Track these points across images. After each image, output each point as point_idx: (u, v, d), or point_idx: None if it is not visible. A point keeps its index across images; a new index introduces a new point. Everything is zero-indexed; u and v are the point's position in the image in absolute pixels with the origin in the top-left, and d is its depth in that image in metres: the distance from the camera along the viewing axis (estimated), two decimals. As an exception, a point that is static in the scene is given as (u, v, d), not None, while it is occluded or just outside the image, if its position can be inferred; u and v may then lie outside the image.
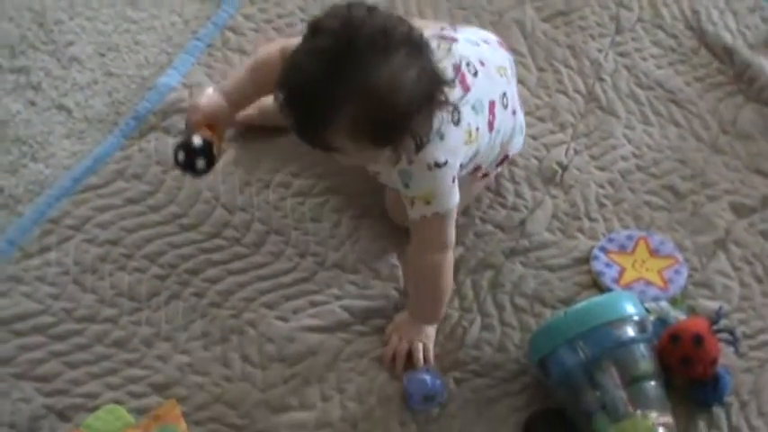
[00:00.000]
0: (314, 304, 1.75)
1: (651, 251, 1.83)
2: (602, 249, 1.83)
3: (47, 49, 2.02)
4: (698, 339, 1.62)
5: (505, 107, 1.73)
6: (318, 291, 1.76)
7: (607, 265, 1.81)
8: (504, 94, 1.73)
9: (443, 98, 1.52)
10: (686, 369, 1.63)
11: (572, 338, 1.57)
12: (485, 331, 1.74)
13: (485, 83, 1.68)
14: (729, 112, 2.06)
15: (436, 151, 1.56)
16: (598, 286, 1.80)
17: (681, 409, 1.65)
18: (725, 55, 2.13)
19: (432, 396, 1.65)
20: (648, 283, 1.79)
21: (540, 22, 2.15)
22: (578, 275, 1.82)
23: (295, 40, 1.52)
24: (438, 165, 1.57)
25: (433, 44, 1.54)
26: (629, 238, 1.85)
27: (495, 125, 1.70)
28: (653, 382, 1.58)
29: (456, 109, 1.58)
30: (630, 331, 1.59)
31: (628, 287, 1.77)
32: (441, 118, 1.55)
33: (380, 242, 1.82)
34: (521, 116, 1.83)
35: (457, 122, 1.59)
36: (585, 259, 1.83)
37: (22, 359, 1.64)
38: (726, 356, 1.69)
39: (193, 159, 1.62)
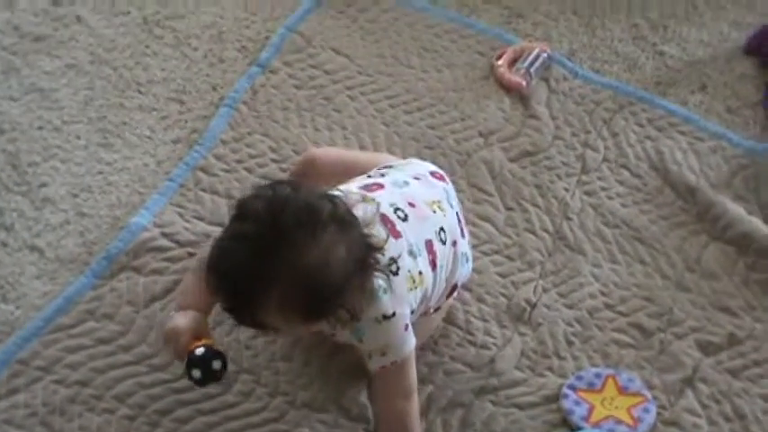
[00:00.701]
0: (284, 444, 1.74)
1: (620, 389, 1.84)
2: (572, 387, 1.83)
3: (20, 191, 2.04)
4: (668, 479, 1.62)
5: (444, 242, 1.74)
6: (288, 430, 1.74)
7: (576, 402, 1.81)
8: (441, 229, 1.74)
9: (375, 265, 1.54)
10: None
11: (542, 480, 1.57)
12: (455, 472, 1.74)
13: (417, 225, 1.69)
14: (694, 251, 2.09)
15: (383, 305, 1.59)
16: (568, 424, 1.79)
17: None
18: (688, 194, 2.18)
19: None
20: (618, 421, 1.79)
21: (508, 162, 2.20)
22: (548, 414, 1.81)
23: None
24: (386, 317, 1.59)
25: (359, 207, 1.58)
26: (598, 375, 1.86)
27: (438, 262, 1.71)
28: None
29: (392, 260, 1.60)
30: (600, 471, 1.59)
31: (597, 425, 1.77)
32: (380, 274, 1.57)
33: (350, 381, 1.81)
34: (463, 245, 1.82)
35: (396, 272, 1.61)
36: (555, 397, 1.83)
37: (-15, 505, 1.62)
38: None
39: (209, 366, 1.63)
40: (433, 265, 1.70)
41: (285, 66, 2.34)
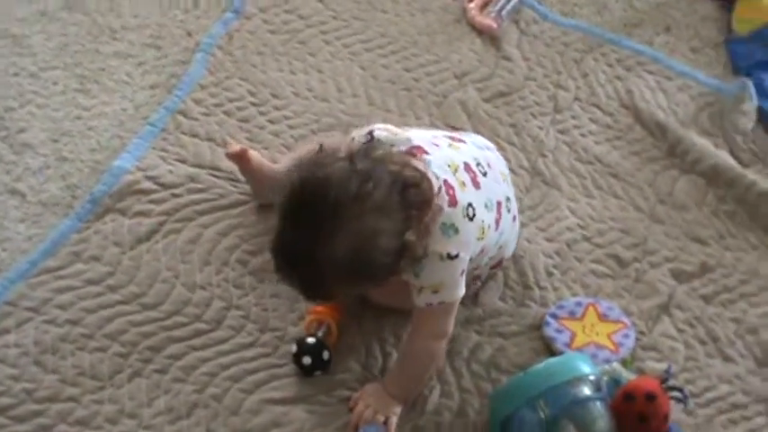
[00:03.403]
0: (276, 377, 1.76)
1: (600, 316, 1.90)
2: (553, 316, 1.89)
3: (-2, 136, 2.05)
4: (651, 396, 1.66)
5: (509, 211, 1.80)
6: (281, 364, 1.78)
7: (558, 330, 1.86)
8: (508, 199, 1.81)
9: (421, 204, 1.57)
10: (641, 426, 1.66)
11: (532, 397, 1.61)
12: (444, 398, 1.77)
13: (492, 183, 1.75)
14: (666, 184, 2.15)
15: (450, 244, 1.62)
16: (551, 351, 1.84)
17: (637, 467, 1.70)
18: (658, 131, 2.24)
19: None
20: (599, 346, 1.84)
21: (483, 102, 2.25)
22: (531, 341, 1.87)
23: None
24: (450, 257, 1.62)
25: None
26: (578, 304, 1.91)
27: (500, 225, 1.76)
28: (612, 440, 1.63)
29: (470, 205, 1.65)
30: (587, 390, 1.63)
31: (579, 351, 1.82)
32: (457, 213, 1.62)
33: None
34: (518, 223, 1.90)
35: (471, 218, 1.65)
36: (537, 326, 1.88)
37: (-17, 441, 1.63)
38: (675, 414, 1.73)
39: (300, 362, 1.75)
40: (497, 225, 1.75)
41: (259, 11, 2.35)
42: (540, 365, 1.67)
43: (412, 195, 1.56)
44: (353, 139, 1.68)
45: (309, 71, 2.25)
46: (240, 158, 1.92)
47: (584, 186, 2.13)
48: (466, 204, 1.64)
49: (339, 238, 1.50)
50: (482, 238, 1.70)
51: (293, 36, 2.32)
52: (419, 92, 2.25)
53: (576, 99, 2.30)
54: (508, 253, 1.89)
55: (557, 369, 1.64)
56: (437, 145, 1.71)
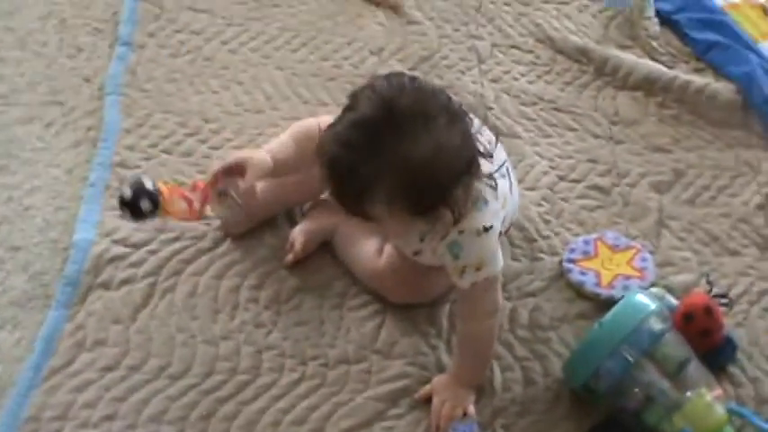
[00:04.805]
0: (340, 405, 1.69)
1: (611, 248, 1.92)
2: (570, 261, 1.90)
3: (-68, 242, 1.84)
4: (708, 310, 1.72)
5: (512, 175, 1.79)
6: (337, 391, 1.71)
7: (582, 273, 1.88)
8: (506, 162, 1.77)
9: (479, 169, 1.53)
10: (705, 340, 1.72)
11: (614, 347, 1.61)
12: (506, 372, 1.76)
13: (500, 150, 1.72)
14: (608, 105, 2.21)
15: (483, 216, 1.58)
16: (583, 295, 1.86)
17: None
18: (581, 55, 2.29)
19: None
20: (626, 276, 1.87)
21: (410, 72, 2.20)
22: (561, 291, 1.87)
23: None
24: (486, 229, 1.59)
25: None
26: (586, 242, 1.93)
27: (512, 190, 1.75)
28: (693, 363, 1.65)
29: (491, 175, 1.61)
30: (659, 323, 1.65)
31: (611, 287, 1.85)
32: (482, 185, 1.57)
33: (368, 323, 1.79)
34: (516, 186, 1.88)
35: (495, 187, 1.62)
36: (559, 275, 1.89)
37: None
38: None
39: (137, 206, 1.66)
40: (511, 190, 1.73)
41: (149, 37, 2.22)
42: (611, 314, 1.67)
43: (478, 161, 1.53)
44: None
45: (230, 86, 2.14)
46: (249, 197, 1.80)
47: (538, 128, 2.15)
48: (488, 174, 1.62)
49: (422, 139, 1.44)
50: (504, 206, 1.69)
51: (197, 54, 2.19)
52: (345, 78, 2.19)
53: (494, 45, 2.30)
54: (515, 217, 1.89)
55: (627, 313, 1.65)
56: None
